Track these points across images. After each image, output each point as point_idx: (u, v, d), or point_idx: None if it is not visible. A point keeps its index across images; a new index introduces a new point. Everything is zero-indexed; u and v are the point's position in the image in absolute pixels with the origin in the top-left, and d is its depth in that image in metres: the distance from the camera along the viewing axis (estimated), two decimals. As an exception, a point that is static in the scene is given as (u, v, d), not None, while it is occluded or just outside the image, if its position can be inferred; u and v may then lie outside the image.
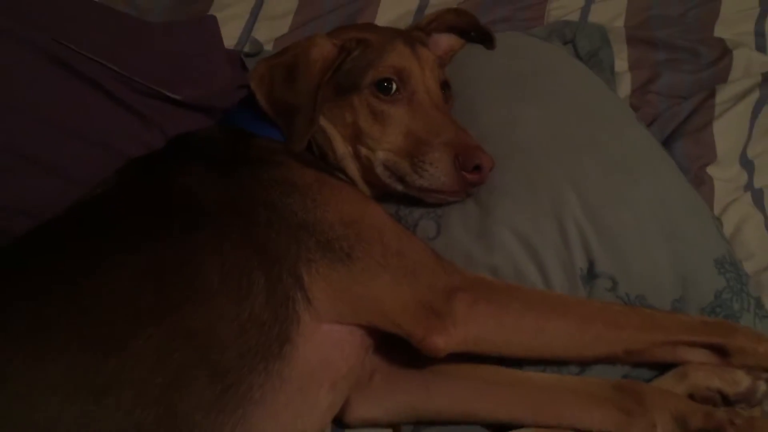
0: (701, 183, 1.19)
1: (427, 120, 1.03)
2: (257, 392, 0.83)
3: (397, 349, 0.99)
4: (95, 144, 1.06)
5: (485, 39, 1.22)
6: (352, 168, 1.08)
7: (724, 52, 1.42)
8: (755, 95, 1.27)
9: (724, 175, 1.22)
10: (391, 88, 1.04)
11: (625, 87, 1.38)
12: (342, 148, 1.07)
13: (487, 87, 1.13)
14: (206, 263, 0.87)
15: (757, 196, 1.19)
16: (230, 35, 1.48)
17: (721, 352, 0.92)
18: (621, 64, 1.43)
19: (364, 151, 1.05)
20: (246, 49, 1.38)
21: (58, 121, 1.03)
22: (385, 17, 1.53)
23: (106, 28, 1.14)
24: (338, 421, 0.98)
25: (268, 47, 1.44)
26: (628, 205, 0.99)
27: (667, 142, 1.26)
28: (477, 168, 0.98)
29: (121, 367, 0.78)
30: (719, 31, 1.50)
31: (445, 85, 1.12)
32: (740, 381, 0.90)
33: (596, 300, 0.97)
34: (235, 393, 0.81)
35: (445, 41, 1.24)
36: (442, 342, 0.88)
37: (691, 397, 0.91)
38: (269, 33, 1.51)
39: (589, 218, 0.98)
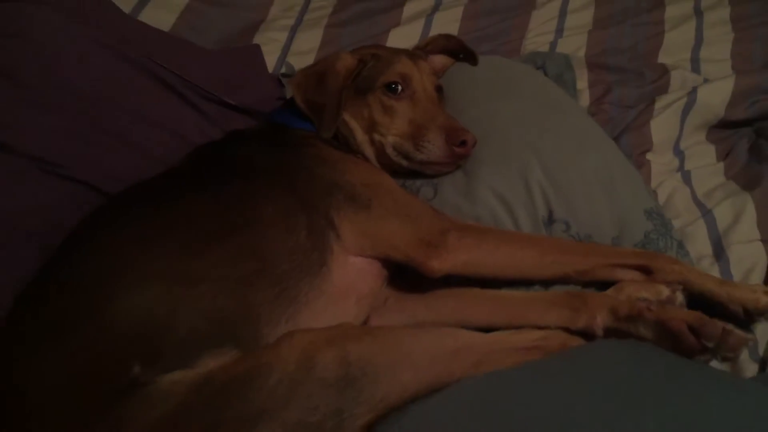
0: (641, 165, 1.51)
1: (424, 111, 1.36)
2: (303, 297, 1.11)
3: (404, 283, 1.29)
4: (173, 133, 1.40)
5: (470, 57, 1.56)
6: (369, 151, 1.39)
7: (664, 72, 1.75)
8: (684, 100, 1.61)
9: (660, 160, 1.54)
10: (398, 89, 1.37)
11: (584, 100, 1.72)
12: (360, 135, 1.39)
13: (471, 91, 1.46)
14: (262, 203, 1.16)
15: (686, 176, 1.51)
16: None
17: (646, 272, 1.20)
18: (582, 83, 1.76)
19: (377, 137, 1.38)
20: (282, 70, 1.73)
21: (147, 115, 1.37)
22: (391, 51, 1.88)
23: (181, 51, 1.50)
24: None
25: (299, 71, 1.78)
26: (577, 170, 1.30)
27: (616, 138, 1.58)
28: (463, 143, 1.30)
29: (207, 266, 1.06)
30: (662, 58, 1.84)
31: (439, 89, 1.45)
32: (662, 291, 1.17)
33: (554, 237, 1.28)
34: (287, 295, 1.09)
35: (439, 60, 1.58)
36: (438, 265, 1.17)
37: (626, 305, 1.19)
38: (297, 65, 1.85)
39: (548, 179, 1.29)
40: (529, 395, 0.97)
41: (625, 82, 1.75)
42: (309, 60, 1.87)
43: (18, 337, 1.02)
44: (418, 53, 1.51)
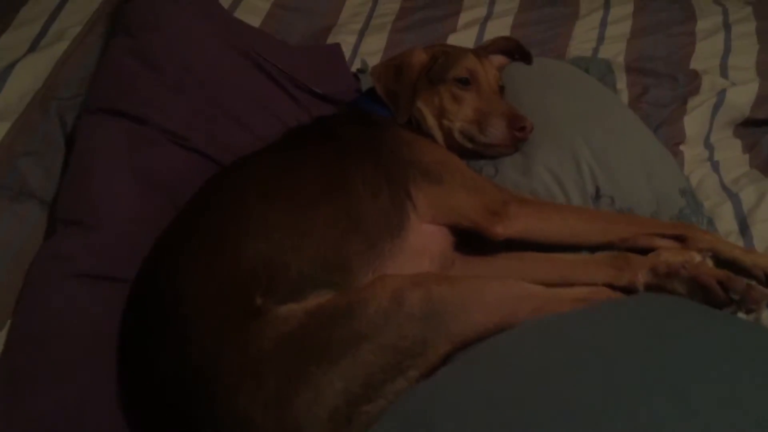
0: (675, 155, 1.70)
1: (488, 101, 1.56)
2: (387, 253, 1.32)
3: (469, 249, 1.50)
4: (273, 115, 1.63)
5: (525, 57, 1.77)
6: (438, 134, 1.60)
7: (695, 77, 1.95)
8: (714, 100, 1.81)
9: (692, 151, 1.74)
10: (465, 81, 1.59)
11: (623, 100, 1.92)
12: (431, 120, 1.60)
13: (527, 85, 1.67)
14: (353, 173, 1.37)
15: (715, 166, 1.70)
16: (337, 65, 2.04)
17: (681, 240, 1.38)
18: (621, 84, 1.95)
19: (446, 122, 1.58)
20: (358, 66, 1.96)
21: (253, 98, 1.61)
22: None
23: (274, 46, 1.74)
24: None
25: (369, 70, 2.01)
26: (621, 152, 1.50)
27: (653, 131, 1.78)
28: (522, 128, 1.51)
29: (312, 222, 1.27)
30: (693, 65, 2.04)
31: (501, 88, 1.66)
32: (694, 258, 1.34)
33: (600, 209, 1.48)
34: (374, 251, 1.30)
35: (498, 59, 1.78)
36: (501, 230, 1.37)
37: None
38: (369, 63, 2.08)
39: (595, 160, 1.48)
40: (583, 329, 1.16)
41: (660, 85, 1.94)
42: (377, 60, 2.08)
43: (168, 260, 1.25)
44: (481, 52, 1.72)
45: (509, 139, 1.53)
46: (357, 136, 1.49)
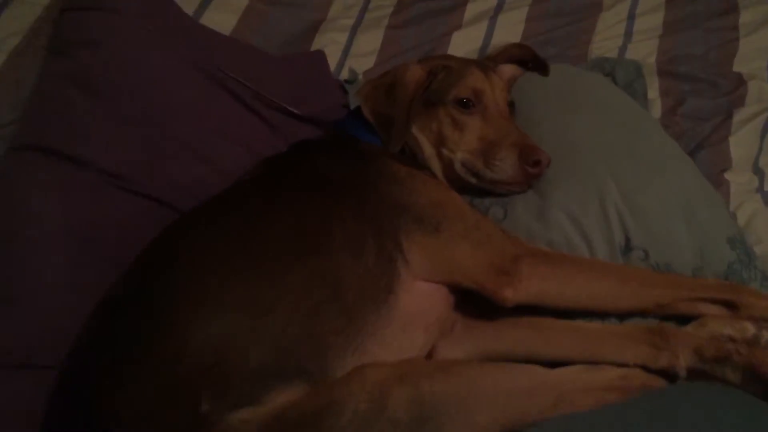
0: (719, 185, 1.45)
1: (496, 127, 1.31)
2: (371, 328, 1.07)
3: (472, 307, 1.25)
4: (240, 143, 1.38)
5: (541, 68, 1.51)
6: (436, 166, 1.35)
7: (740, 83, 1.68)
8: (765, 116, 1.54)
9: (739, 179, 1.48)
10: (469, 103, 1.33)
11: (655, 111, 1.65)
12: (428, 150, 1.35)
13: (543, 103, 1.41)
14: (333, 225, 1.13)
15: (766, 197, 1.44)
16: (326, 69, 1.77)
17: (731, 306, 1.14)
18: (652, 92, 1.69)
19: (446, 152, 1.33)
20: (345, 76, 1.70)
21: (217, 126, 1.36)
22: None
23: (246, 58, 1.47)
24: (427, 360, 1.24)
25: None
26: (656, 193, 1.25)
27: (691, 153, 1.52)
28: (536, 163, 1.26)
29: (279, 294, 1.03)
30: (737, 67, 1.77)
31: (510, 104, 1.40)
32: (747, 329, 1.12)
33: (632, 266, 1.23)
34: (355, 325, 1.06)
35: (509, 70, 1.52)
36: (511, 294, 1.13)
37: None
38: (358, 67, 1.81)
39: (625, 203, 1.24)
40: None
41: (699, 93, 1.69)
42: (370, 62, 1.83)
43: (99, 349, 1.02)
44: (488, 64, 1.46)
45: (521, 175, 1.27)
46: (338, 173, 1.24)
